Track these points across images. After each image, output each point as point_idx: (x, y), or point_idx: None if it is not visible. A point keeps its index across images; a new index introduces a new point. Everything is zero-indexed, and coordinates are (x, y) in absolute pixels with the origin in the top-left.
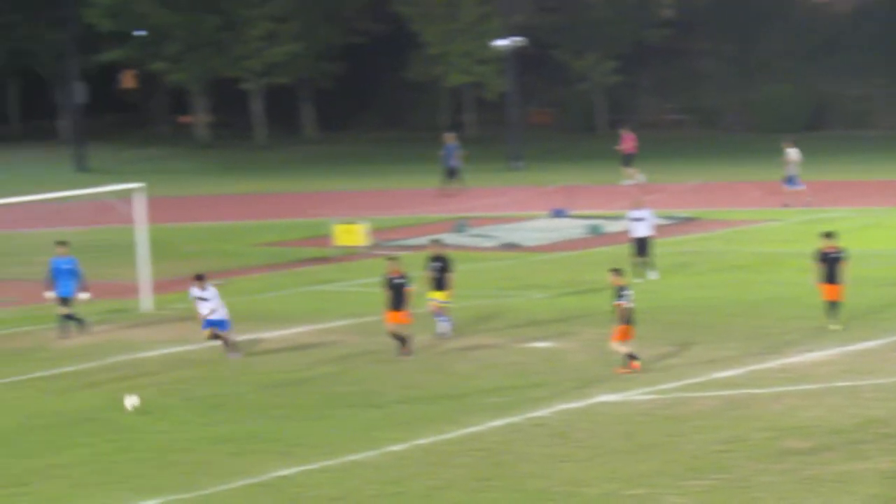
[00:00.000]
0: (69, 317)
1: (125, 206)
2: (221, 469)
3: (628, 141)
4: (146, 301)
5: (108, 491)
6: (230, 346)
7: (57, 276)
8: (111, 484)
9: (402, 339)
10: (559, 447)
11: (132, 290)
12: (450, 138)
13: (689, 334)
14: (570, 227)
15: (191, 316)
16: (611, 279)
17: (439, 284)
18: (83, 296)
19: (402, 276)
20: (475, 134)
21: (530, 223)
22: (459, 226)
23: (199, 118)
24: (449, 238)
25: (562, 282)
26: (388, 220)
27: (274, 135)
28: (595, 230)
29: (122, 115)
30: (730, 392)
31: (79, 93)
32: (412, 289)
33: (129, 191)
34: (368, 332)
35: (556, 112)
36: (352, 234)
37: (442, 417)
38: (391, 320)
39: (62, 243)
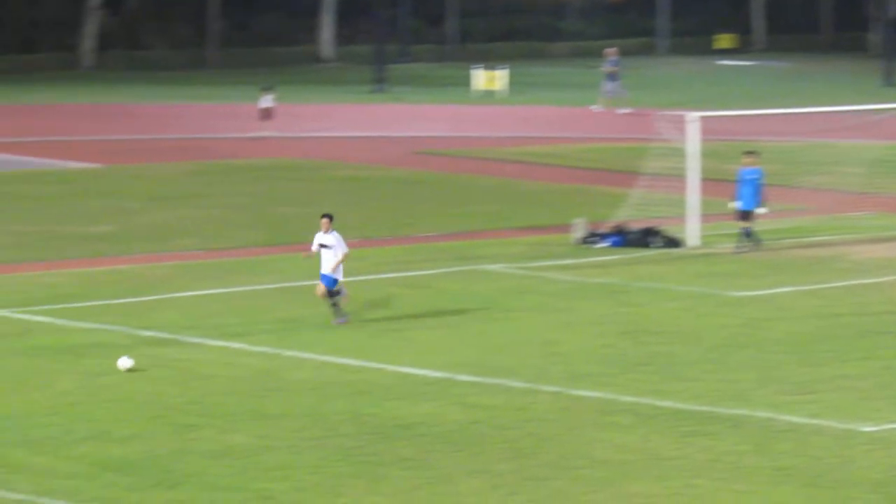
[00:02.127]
0: (747, 232)
1: None
2: None
3: None
4: None
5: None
6: (337, 309)
7: (742, 187)
8: None
9: None
10: None
11: None
12: None
13: None
14: None
15: None
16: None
17: None
18: (761, 210)
19: None
20: None
21: None
22: None
23: None
24: None
25: None
26: None
27: None
28: None
29: None
30: None
31: (893, 7)
32: None
33: None
34: None
35: None
36: None
37: None
38: None
39: (750, 153)
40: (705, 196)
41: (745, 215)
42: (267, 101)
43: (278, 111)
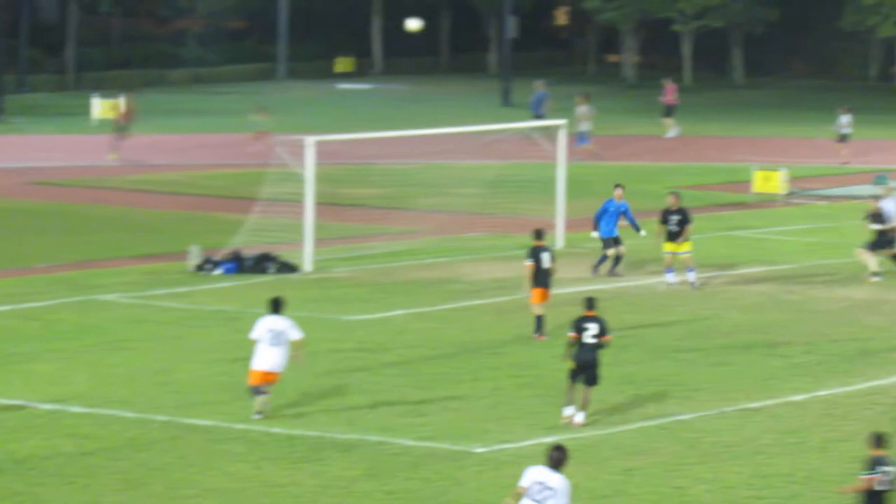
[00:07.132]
0: (604, 258)
1: (548, 142)
2: (621, 409)
3: (669, 93)
4: (559, 238)
5: (506, 426)
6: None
7: (602, 216)
8: (509, 419)
9: None
10: None
11: (547, 226)
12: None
13: None
14: None
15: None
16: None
17: (676, 237)
18: (643, 233)
19: None
20: None
21: None
22: (879, 178)
23: (627, 58)
24: (868, 189)
25: None
26: (809, 168)
27: (700, 77)
28: None
29: (550, 52)
30: None
31: (510, 27)
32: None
33: (552, 127)
34: (786, 279)
35: None
36: (770, 180)
37: (846, 370)
38: None
39: (620, 186)
40: (321, 220)
41: (607, 242)
42: None
43: None
